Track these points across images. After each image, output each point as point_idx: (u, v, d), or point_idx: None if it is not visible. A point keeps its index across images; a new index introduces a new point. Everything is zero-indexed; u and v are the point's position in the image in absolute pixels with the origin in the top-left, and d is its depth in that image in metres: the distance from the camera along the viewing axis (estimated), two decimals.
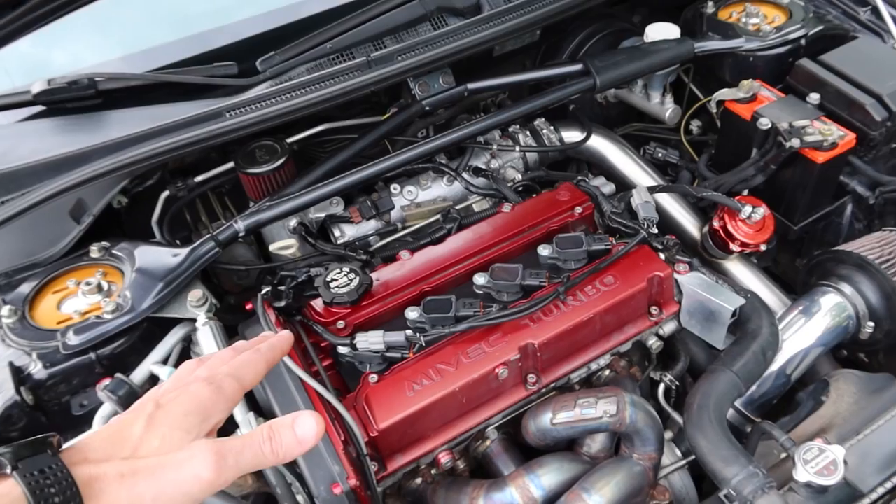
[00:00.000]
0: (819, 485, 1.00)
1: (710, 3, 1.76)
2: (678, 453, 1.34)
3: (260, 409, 1.14)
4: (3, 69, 1.59)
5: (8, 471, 0.60)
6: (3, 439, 1.10)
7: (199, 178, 1.48)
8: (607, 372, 1.32)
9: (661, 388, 1.38)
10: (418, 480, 1.22)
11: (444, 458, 1.15)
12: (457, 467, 1.25)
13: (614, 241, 1.30)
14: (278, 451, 0.70)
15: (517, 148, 1.56)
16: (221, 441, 0.68)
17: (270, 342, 0.83)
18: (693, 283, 1.27)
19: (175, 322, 1.22)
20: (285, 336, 0.85)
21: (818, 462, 1.01)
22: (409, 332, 1.16)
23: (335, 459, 1.02)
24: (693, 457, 1.30)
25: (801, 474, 1.01)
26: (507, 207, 1.40)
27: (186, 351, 1.24)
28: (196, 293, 1.19)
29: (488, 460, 1.25)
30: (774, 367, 1.35)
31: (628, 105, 1.84)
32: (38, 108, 1.43)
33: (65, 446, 0.65)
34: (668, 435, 1.40)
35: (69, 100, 1.41)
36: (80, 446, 0.66)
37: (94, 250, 1.31)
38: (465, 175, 1.53)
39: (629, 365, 1.37)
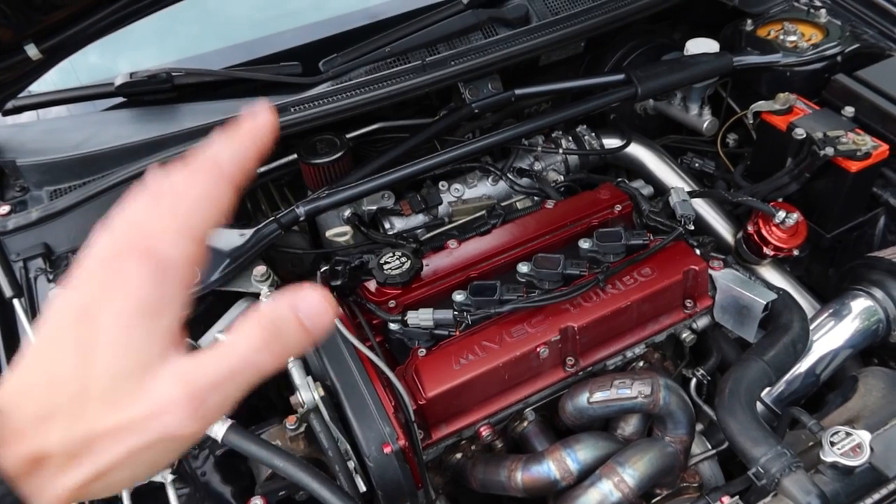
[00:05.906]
0: (845, 465, 1.05)
1: (749, 22, 1.83)
2: (709, 445, 1.40)
3: (312, 374, 1.22)
4: (82, 67, 1.72)
5: None
6: None
7: (261, 169, 1.58)
8: (641, 363, 1.38)
9: (693, 382, 1.43)
10: (458, 455, 1.30)
11: (486, 432, 1.22)
12: (495, 445, 1.32)
13: (652, 238, 1.37)
14: (282, 354, 0.47)
15: (560, 150, 1.64)
16: (192, 372, 0.45)
17: (237, 130, 0.47)
18: (727, 278, 1.33)
19: (239, 296, 1.32)
20: (261, 110, 0.49)
21: (844, 444, 1.06)
22: (456, 312, 1.24)
23: (386, 421, 1.09)
24: (723, 446, 1.36)
25: (828, 455, 1.05)
26: (549, 204, 1.48)
27: None
28: (260, 269, 1.29)
29: (525, 440, 1.31)
30: (804, 366, 1.40)
31: (667, 117, 1.91)
32: (120, 100, 1.56)
33: None
34: (700, 427, 1.45)
35: (148, 92, 1.53)
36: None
37: None
38: (509, 175, 1.62)
39: (663, 358, 1.43)
